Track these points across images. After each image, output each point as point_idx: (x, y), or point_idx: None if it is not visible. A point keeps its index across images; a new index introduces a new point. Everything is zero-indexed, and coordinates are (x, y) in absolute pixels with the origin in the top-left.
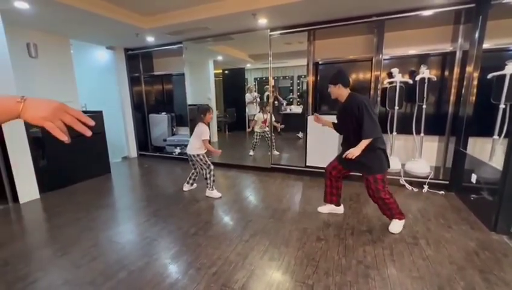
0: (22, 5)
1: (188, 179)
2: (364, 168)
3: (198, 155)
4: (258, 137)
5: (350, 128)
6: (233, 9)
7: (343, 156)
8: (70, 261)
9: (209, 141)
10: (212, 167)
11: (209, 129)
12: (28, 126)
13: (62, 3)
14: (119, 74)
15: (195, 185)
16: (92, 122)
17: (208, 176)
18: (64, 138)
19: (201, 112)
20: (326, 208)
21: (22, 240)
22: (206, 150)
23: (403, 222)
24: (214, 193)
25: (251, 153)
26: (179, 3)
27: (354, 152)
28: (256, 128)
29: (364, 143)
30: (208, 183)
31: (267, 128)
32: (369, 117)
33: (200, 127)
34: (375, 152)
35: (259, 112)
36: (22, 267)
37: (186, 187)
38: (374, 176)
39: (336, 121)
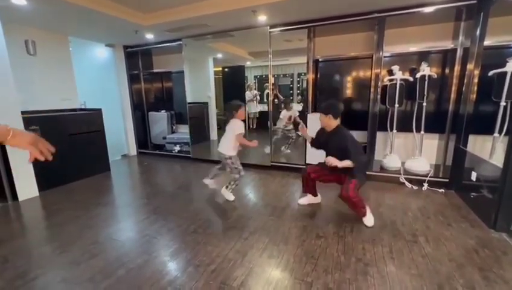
0: (19, 2)
1: (211, 173)
2: (346, 173)
3: (230, 157)
4: (285, 134)
5: (333, 152)
6: (232, 5)
7: (326, 161)
8: (70, 259)
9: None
10: (242, 172)
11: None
12: (26, 123)
13: (60, 0)
14: (118, 71)
15: (215, 185)
16: (53, 149)
17: (235, 178)
18: (42, 158)
19: (233, 108)
20: (306, 199)
21: (22, 238)
22: (240, 148)
23: (369, 213)
24: (228, 195)
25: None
26: (178, 0)
27: (335, 162)
28: (281, 125)
29: (347, 163)
30: (229, 184)
31: (291, 126)
32: (355, 148)
33: (234, 123)
34: (360, 168)
35: (283, 110)
36: (21, 265)
37: (207, 181)
38: (351, 179)
39: (314, 136)
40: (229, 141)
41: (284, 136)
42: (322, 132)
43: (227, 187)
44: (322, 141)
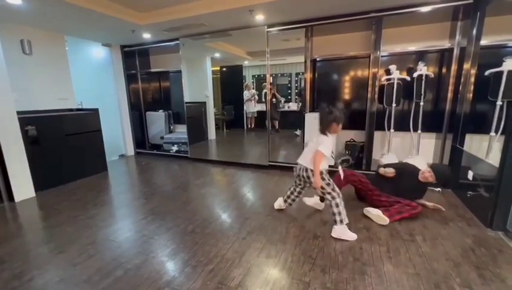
0: (14, 1)
1: (285, 196)
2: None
3: (321, 174)
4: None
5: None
6: (229, 5)
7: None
8: (67, 259)
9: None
10: (341, 195)
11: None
12: (22, 123)
13: None
14: (115, 71)
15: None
16: None
17: (335, 207)
18: None
19: (333, 119)
20: (312, 201)
21: (18, 239)
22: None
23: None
24: (346, 232)
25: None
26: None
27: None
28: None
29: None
30: (335, 215)
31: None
32: None
33: (327, 140)
34: None
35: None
36: (18, 266)
37: (277, 204)
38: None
39: None
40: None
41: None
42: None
43: (336, 222)
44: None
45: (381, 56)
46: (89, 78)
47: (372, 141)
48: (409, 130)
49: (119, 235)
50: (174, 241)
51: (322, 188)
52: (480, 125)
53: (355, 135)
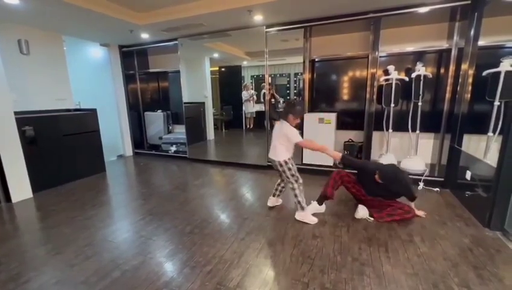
0: (11, 0)
1: (274, 190)
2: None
3: (286, 163)
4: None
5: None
6: (228, 5)
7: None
8: (64, 261)
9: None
10: (301, 180)
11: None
12: (20, 123)
13: None
14: (113, 71)
15: (280, 200)
16: None
17: (297, 191)
18: None
19: (291, 111)
20: (311, 208)
21: (15, 240)
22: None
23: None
24: (308, 216)
25: None
26: (174, 0)
27: None
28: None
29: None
30: (297, 202)
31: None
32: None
33: (289, 128)
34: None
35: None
36: (14, 267)
37: (270, 202)
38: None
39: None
40: (285, 147)
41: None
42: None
43: (300, 208)
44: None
45: (380, 56)
46: (87, 79)
47: (370, 141)
48: (407, 131)
49: (117, 236)
50: (172, 242)
51: (284, 172)
52: (478, 125)
53: (354, 135)
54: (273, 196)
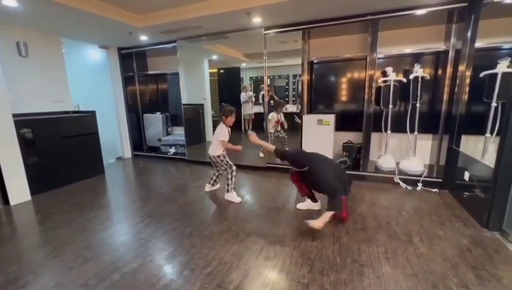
0: (10, 3)
1: (210, 179)
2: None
3: (218, 156)
4: (271, 138)
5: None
6: (226, 7)
7: None
8: (63, 264)
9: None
10: (234, 167)
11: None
12: (18, 126)
13: (52, 1)
14: (112, 73)
15: (217, 185)
16: None
17: (229, 176)
18: None
19: (223, 113)
20: (305, 205)
21: (13, 242)
22: (225, 151)
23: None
24: (233, 197)
25: (261, 154)
26: (172, 2)
27: None
28: (270, 128)
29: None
30: (227, 185)
31: (279, 128)
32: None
33: (220, 129)
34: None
35: (273, 111)
36: (13, 270)
37: (207, 187)
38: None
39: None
40: (215, 143)
41: (276, 138)
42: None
43: (228, 190)
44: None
45: (378, 58)
46: (85, 81)
47: (369, 143)
48: (406, 132)
49: (116, 238)
50: (171, 244)
51: (221, 161)
52: (476, 126)
53: (353, 137)
54: (209, 183)
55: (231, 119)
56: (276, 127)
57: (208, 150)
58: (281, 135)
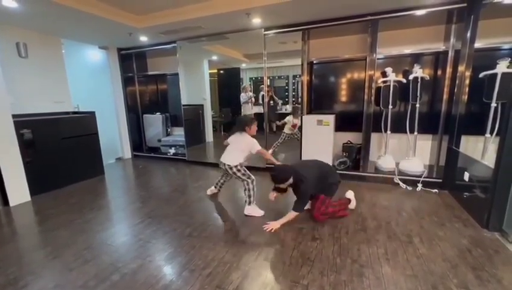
0: (9, 4)
1: (215, 184)
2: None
3: (236, 166)
4: (284, 138)
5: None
6: (226, 8)
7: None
8: (62, 264)
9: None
10: (252, 177)
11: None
12: (18, 127)
13: (52, 1)
14: (112, 73)
15: (217, 191)
16: None
17: (249, 187)
18: None
19: (244, 123)
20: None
21: (13, 243)
22: (246, 160)
23: (352, 200)
24: (256, 210)
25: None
26: (172, 3)
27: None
28: (286, 130)
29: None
30: (248, 197)
31: (296, 131)
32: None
33: (246, 138)
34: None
35: (289, 115)
36: (12, 271)
37: (209, 191)
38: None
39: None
40: (237, 154)
41: (291, 140)
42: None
43: (249, 203)
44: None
45: (377, 59)
46: (85, 81)
47: (369, 143)
48: (406, 132)
49: (116, 239)
50: (171, 245)
51: (239, 171)
52: (476, 126)
53: (353, 137)
54: (215, 187)
55: (255, 128)
56: (293, 130)
57: (219, 157)
58: (296, 136)
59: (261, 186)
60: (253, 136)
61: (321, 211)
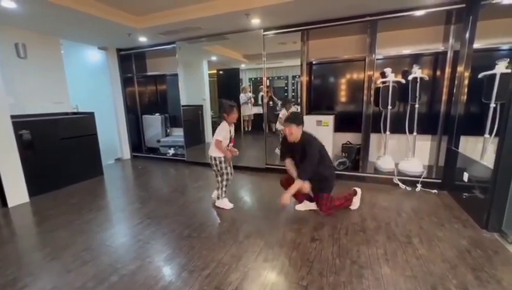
0: (8, 4)
1: (216, 187)
2: (319, 189)
3: (215, 159)
4: (282, 134)
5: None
6: (225, 9)
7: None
8: (61, 266)
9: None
10: (228, 175)
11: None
12: (16, 127)
13: (51, 2)
14: (111, 74)
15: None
16: None
17: (221, 185)
18: None
19: (223, 110)
20: (303, 205)
21: (11, 245)
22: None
23: (356, 198)
24: (225, 203)
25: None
26: (171, 3)
27: (287, 199)
28: (278, 126)
29: (297, 185)
30: (219, 189)
31: None
32: (311, 159)
33: (220, 127)
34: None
35: (281, 109)
36: (11, 272)
37: (214, 194)
38: (321, 194)
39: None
40: (212, 143)
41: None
42: (285, 143)
43: (218, 197)
44: (289, 151)
45: (377, 59)
46: (84, 82)
47: (368, 143)
48: (405, 132)
49: (115, 240)
50: (170, 246)
51: (217, 165)
52: (475, 127)
53: (352, 138)
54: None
55: (234, 116)
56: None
57: (207, 151)
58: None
59: (261, 186)
60: (234, 125)
61: (328, 207)
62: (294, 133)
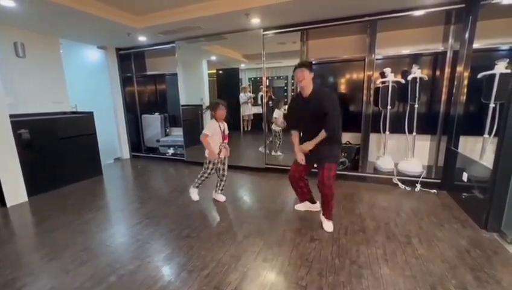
0: (7, 3)
1: (215, 187)
2: (325, 158)
3: (205, 158)
4: (279, 136)
5: (313, 122)
6: (225, 8)
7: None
8: (60, 266)
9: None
10: (206, 175)
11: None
12: (15, 127)
13: (49, 1)
14: (111, 74)
15: (223, 197)
16: None
17: (200, 175)
18: None
19: (210, 108)
20: (303, 206)
21: (10, 245)
22: (215, 154)
23: (331, 222)
24: (194, 194)
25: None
26: (171, 3)
27: (309, 146)
28: (274, 127)
29: (321, 136)
30: (196, 181)
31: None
32: (335, 111)
33: (208, 124)
34: (336, 144)
35: (276, 109)
36: (9, 273)
37: (214, 195)
38: (332, 164)
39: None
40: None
41: (278, 137)
42: (294, 104)
43: (192, 186)
44: (298, 114)
45: (376, 59)
46: (83, 81)
47: (368, 143)
48: (404, 132)
49: (114, 240)
50: (169, 246)
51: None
52: (474, 127)
53: (351, 137)
54: (215, 191)
55: (221, 112)
56: (284, 123)
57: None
58: (279, 135)
59: (260, 186)
60: (225, 122)
61: (333, 180)
62: (306, 78)
